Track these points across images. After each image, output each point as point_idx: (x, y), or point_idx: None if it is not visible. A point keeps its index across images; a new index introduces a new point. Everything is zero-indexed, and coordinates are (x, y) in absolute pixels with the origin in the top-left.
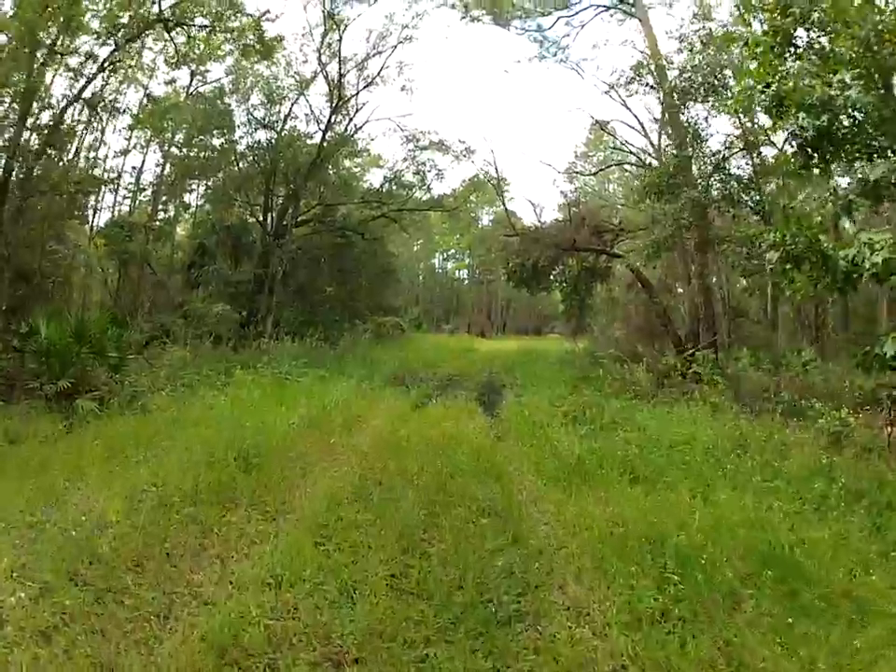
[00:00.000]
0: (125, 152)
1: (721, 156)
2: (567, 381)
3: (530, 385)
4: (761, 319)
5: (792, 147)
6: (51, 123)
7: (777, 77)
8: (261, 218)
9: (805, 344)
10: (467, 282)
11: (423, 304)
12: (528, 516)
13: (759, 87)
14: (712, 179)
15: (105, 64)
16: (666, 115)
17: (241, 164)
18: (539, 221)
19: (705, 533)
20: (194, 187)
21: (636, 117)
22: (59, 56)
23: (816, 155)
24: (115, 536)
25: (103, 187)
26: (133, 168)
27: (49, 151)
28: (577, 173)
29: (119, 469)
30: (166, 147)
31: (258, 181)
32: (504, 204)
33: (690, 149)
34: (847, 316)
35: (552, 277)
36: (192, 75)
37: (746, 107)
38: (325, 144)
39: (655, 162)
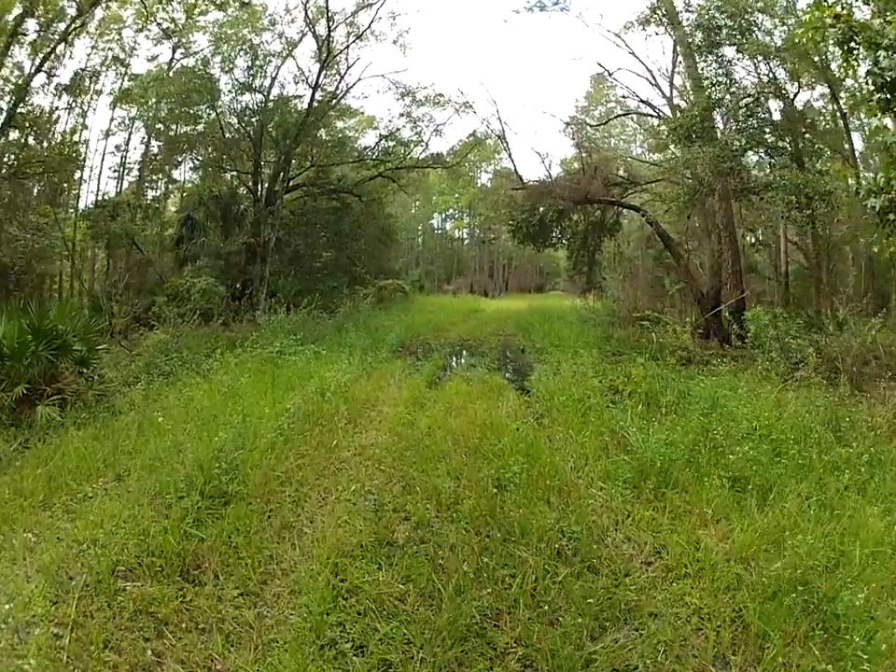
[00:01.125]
0: (108, 133)
1: (755, 99)
2: (593, 343)
3: (554, 349)
4: (771, 275)
5: (868, 85)
6: (12, 104)
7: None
8: (251, 186)
9: (822, 303)
10: (467, 241)
11: (423, 266)
12: (623, 557)
13: (828, 20)
14: (745, 123)
15: (70, 30)
16: (682, 58)
17: (227, 133)
18: (548, 173)
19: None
20: (181, 160)
21: (644, 65)
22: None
23: None
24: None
25: (80, 169)
26: (118, 147)
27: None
28: (584, 123)
29: (54, 518)
30: (150, 123)
31: (245, 147)
32: (510, 156)
33: (717, 92)
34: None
35: (558, 233)
36: (174, 48)
37: (813, 41)
38: (314, 103)
39: (667, 111)
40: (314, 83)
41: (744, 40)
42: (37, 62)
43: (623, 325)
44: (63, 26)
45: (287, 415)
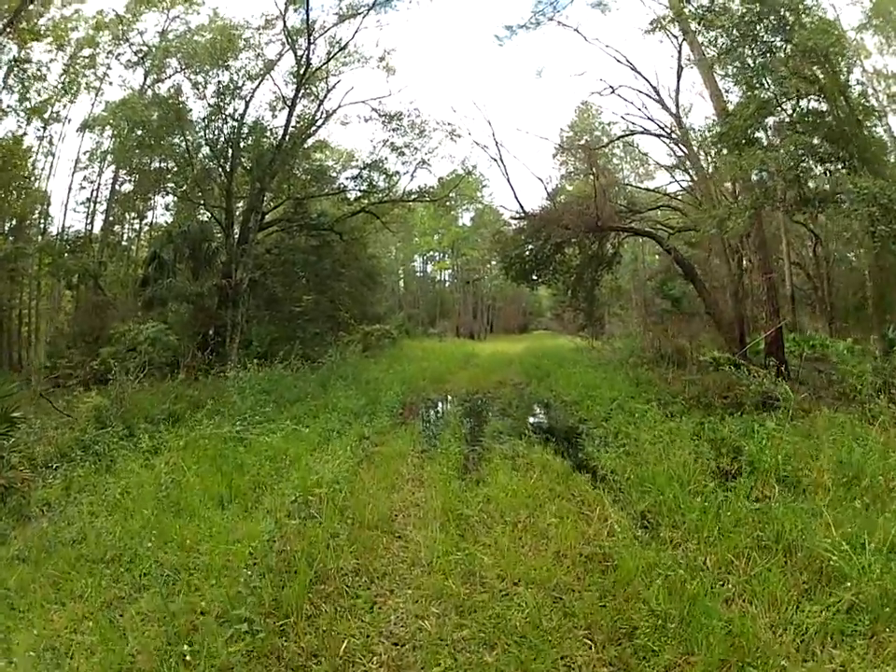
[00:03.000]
0: (77, 164)
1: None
2: (629, 390)
3: (588, 402)
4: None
5: None
6: None
7: None
8: (224, 221)
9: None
10: (449, 283)
11: (406, 310)
12: None
13: None
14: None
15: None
16: (697, 67)
17: (199, 163)
18: (550, 199)
19: None
20: (152, 196)
21: (648, 81)
22: None
23: None
24: None
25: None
26: (86, 179)
27: None
28: (587, 147)
29: None
30: (119, 153)
31: (218, 178)
32: (508, 180)
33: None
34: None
35: (553, 268)
36: (147, 74)
37: None
38: (292, 127)
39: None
40: (291, 102)
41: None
42: None
43: (651, 365)
44: None
45: (250, 565)
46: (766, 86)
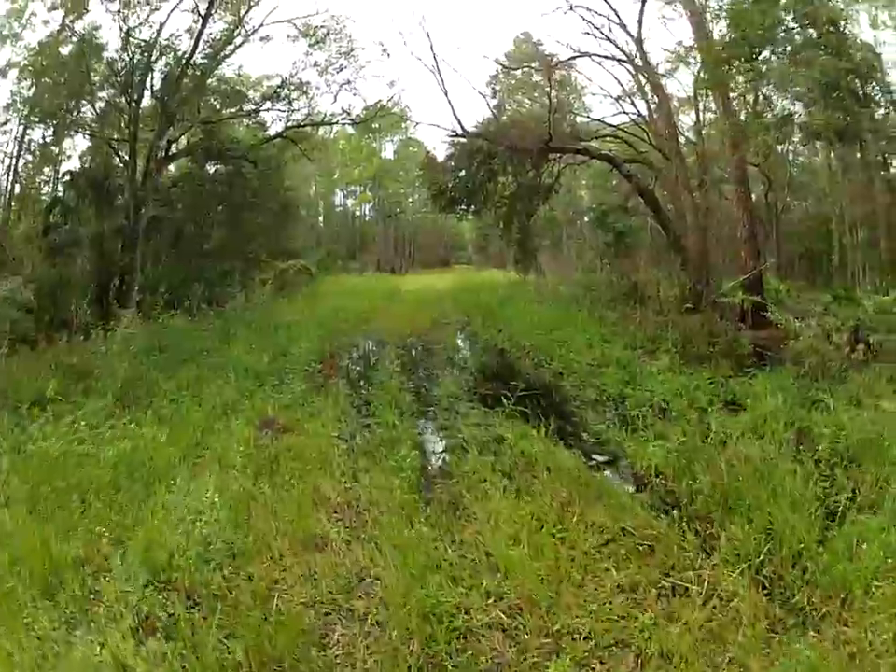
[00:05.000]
0: None
1: None
2: (604, 335)
3: (562, 352)
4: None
5: None
6: None
7: None
8: (129, 155)
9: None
10: (370, 218)
11: (326, 245)
12: None
13: None
14: None
15: None
16: None
17: (106, 97)
18: (493, 115)
19: None
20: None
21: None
22: None
23: None
24: None
25: None
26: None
27: None
28: (546, 60)
29: None
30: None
31: (126, 110)
32: (447, 95)
33: None
34: None
35: (484, 197)
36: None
37: None
38: (206, 44)
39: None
40: (204, 13)
41: None
42: None
43: (611, 304)
44: None
45: None
46: None
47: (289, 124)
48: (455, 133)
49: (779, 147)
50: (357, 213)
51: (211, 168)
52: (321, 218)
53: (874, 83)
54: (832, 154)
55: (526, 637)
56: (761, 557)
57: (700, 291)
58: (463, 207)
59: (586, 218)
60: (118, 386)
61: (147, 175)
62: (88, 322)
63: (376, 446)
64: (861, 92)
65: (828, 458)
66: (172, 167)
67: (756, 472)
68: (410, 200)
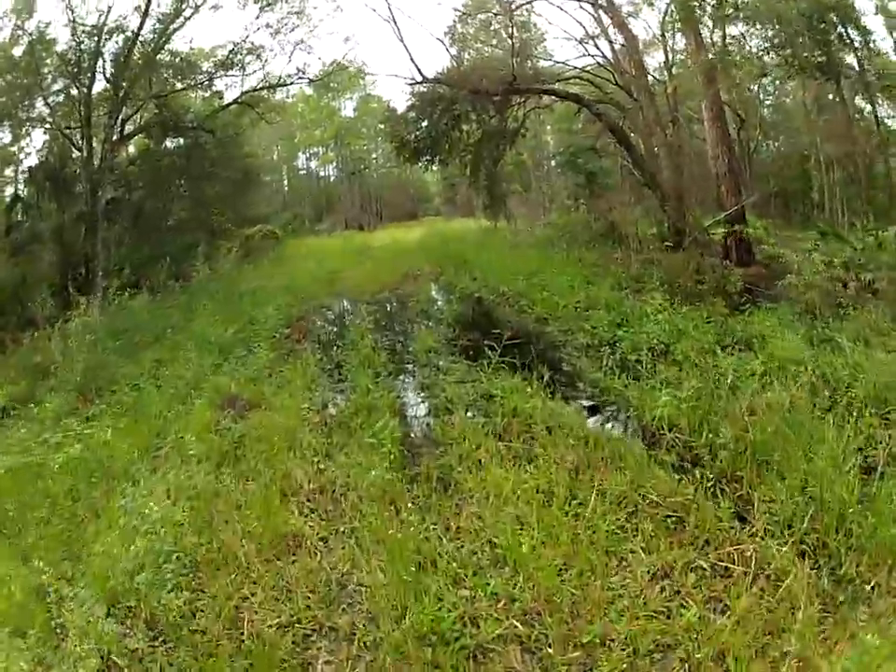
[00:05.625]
0: None
1: None
2: (587, 276)
3: (544, 295)
4: None
5: None
6: None
7: None
8: (84, 141)
9: None
10: (334, 177)
11: (291, 209)
12: None
13: None
14: None
15: None
16: None
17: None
18: (454, 60)
19: None
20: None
21: None
22: None
23: None
24: None
25: None
26: None
27: None
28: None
29: None
30: None
31: (77, 97)
32: (403, 42)
33: None
34: None
35: (447, 146)
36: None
37: None
38: (152, 17)
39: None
40: None
41: None
42: None
43: (589, 245)
44: None
45: None
46: None
47: (245, 90)
48: (414, 81)
49: (751, 87)
50: (322, 174)
51: (170, 143)
52: (285, 183)
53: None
54: (805, 94)
55: (550, 650)
56: (804, 524)
57: (679, 229)
58: (427, 157)
59: (553, 163)
60: (77, 380)
61: (102, 159)
62: (51, 316)
63: (351, 415)
64: (841, 31)
65: (857, 405)
66: (131, 147)
67: (783, 423)
68: (373, 156)
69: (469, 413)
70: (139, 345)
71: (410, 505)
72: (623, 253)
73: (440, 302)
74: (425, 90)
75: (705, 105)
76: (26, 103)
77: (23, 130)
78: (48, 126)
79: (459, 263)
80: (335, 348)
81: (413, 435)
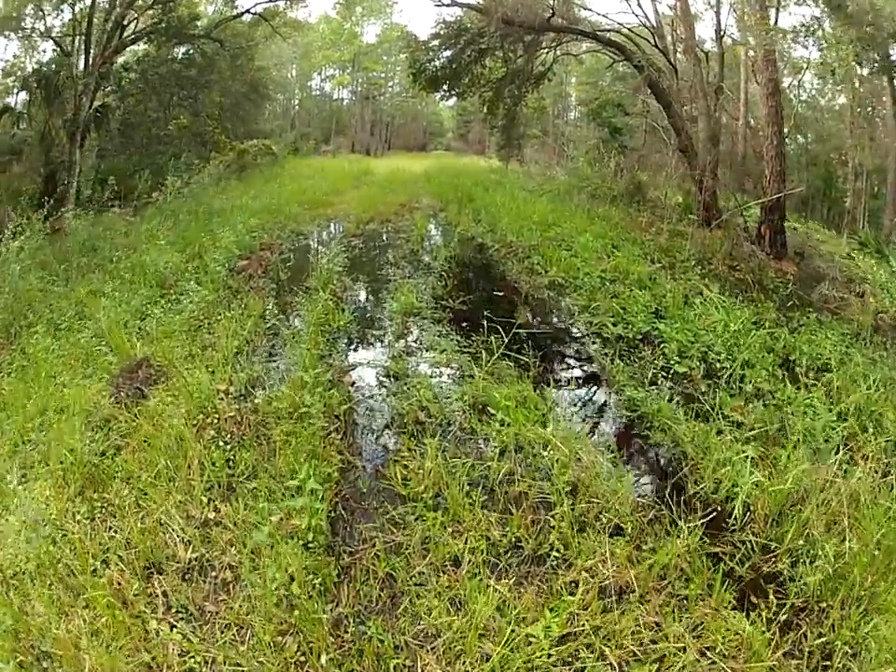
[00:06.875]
0: None
1: None
2: (611, 239)
3: (561, 255)
4: None
5: None
6: None
7: None
8: (83, 47)
9: None
10: (347, 101)
11: (300, 128)
12: None
13: None
14: None
15: None
16: None
17: None
18: None
19: None
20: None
21: None
22: None
23: None
24: None
25: None
26: None
27: None
28: None
29: None
30: None
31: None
32: None
33: None
34: None
35: (468, 80)
36: None
37: None
38: None
39: None
40: None
41: None
42: None
43: (608, 203)
44: None
45: None
46: None
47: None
48: (442, 3)
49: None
50: (336, 97)
51: (167, 49)
52: (296, 102)
53: None
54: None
55: None
56: None
57: (710, 204)
58: (445, 89)
59: (574, 114)
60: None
61: (92, 63)
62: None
63: (277, 416)
64: None
65: None
66: (128, 53)
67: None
68: (390, 84)
69: (448, 443)
70: (83, 272)
71: (328, 645)
72: (648, 219)
73: (434, 245)
74: (451, 18)
75: (761, 80)
76: (31, 11)
77: (29, 42)
78: (47, 35)
79: (464, 202)
80: (290, 296)
81: (356, 476)
